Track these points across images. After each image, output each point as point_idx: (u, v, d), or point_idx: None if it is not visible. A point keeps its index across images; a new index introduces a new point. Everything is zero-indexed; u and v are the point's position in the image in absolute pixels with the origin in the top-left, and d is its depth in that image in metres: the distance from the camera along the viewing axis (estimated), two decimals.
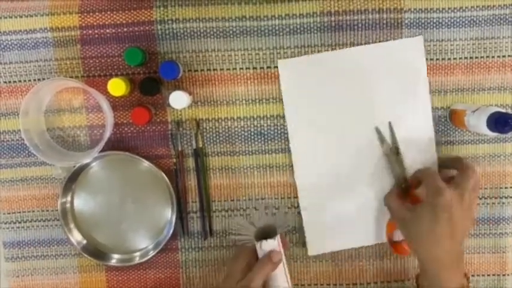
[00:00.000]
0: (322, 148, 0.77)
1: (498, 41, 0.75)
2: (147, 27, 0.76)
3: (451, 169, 0.74)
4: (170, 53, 0.76)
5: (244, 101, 0.77)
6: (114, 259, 0.80)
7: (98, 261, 0.79)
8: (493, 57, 0.76)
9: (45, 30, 0.76)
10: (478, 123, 0.67)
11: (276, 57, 0.76)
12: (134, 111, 0.74)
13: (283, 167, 0.78)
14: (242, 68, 0.76)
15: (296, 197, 0.78)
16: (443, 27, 0.75)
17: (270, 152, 0.78)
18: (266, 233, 0.67)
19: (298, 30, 0.75)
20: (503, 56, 0.75)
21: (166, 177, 0.77)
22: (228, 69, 0.76)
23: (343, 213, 0.77)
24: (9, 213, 0.80)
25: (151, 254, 0.78)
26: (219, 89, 0.77)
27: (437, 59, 0.76)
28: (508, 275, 0.79)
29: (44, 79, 0.77)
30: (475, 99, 0.76)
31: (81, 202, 0.79)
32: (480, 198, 0.78)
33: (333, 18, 0.75)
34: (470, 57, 0.76)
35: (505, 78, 0.76)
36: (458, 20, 0.75)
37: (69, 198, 0.79)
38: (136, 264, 0.80)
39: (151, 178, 0.78)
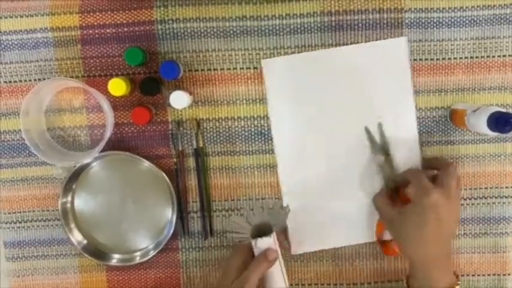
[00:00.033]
0: (308, 149, 0.76)
1: (499, 41, 0.75)
2: (147, 27, 0.76)
3: (433, 169, 0.74)
4: (170, 52, 0.76)
5: (244, 101, 0.77)
6: (115, 259, 0.80)
7: (98, 261, 0.79)
8: (493, 56, 0.76)
9: (46, 30, 0.76)
10: (478, 123, 0.67)
11: (276, 57, 0.76)
12: (135, 111, 0.74)
13: None
14: (242, 68, 0.76)
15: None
16: (444, 27, 0.75)
17: (270, 152, 0.78)
18: (262, 231, 0.67)
19: (299, 30, 0.75)
20: (504, 56, 0.75)
21: (166, 177, 0.77)
22: (229, 69, 0.76)
23: (332, 213, 0.77)
24: (9, 213, 0.80)
25: (152, 253, 0.78)
26: (220, 88, 0.77)
27: (437, 59, 0.76)
28: (508, 274, 0.79)
29: (44, 79, 0.77)
30: (475, 99, 0.76)
31: (82, 202, 0.80)
32: (481, 198, 0.78)
33: (333, 18, 0.75)
34: (471, 57, 0.76)
35: (506, 77, 0.76)
36: (458, 20, 0.75)
37: (69, 198, 0.79)
38: (136, 264, 0.80)
39: (152, 178, 0.78)
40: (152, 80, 0.75)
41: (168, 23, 0.75)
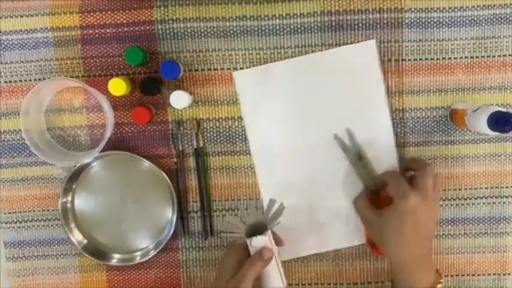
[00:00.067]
0: (284, 156, 0.76)
1: (499, 41, 0.75)
2: (147, 27, 0.76)
3: (411, 170, 0.74)
4: (171, 52, 0.76)
5: None
6: (115, 259, 0.80)
7: (98, 261, 0.80)
8: (493, 56, 0.76)
9: (46, 30, 0.76)
10: (478, 122, 0.67)
11: (276, 56, 0.76)
12: (135, 111, 0.74)
13: None
14: (243, 68, 0.76)
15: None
16: (444, 26, 0.75)
17: None
18: (257, 231, 0.67)
19: (299, 30, 0.75)
20: (504, 56, 0.75)
21: (167, 177, 0.77)
22: (229, 68, 0.76)
23: (313, 217, 0.77)
24: (10, 213, 0.80)
25: (152, 253, 0.78)
26: (220, 88, 0.77)
27: (437, 59, 0.76)
28: (508, 274, 0.79)
29: (44, 79, 0.77)
30: (475, 99, 0.76)
31: (82, 202, 0.80)
32: (481, 198, 0.78)
33: (333, 18, 0.75)
34: (471, 57, 0.76)
35: (506, 77, 0.76)
36: (458, 20, 0.75)
37: (69, 198, 0.79)
38: (137, 264, 0.80)
39: (152, 178, 0.78)
40: (152, 80, 0.75)
41: (168, 22, 0.75)
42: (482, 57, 0.76)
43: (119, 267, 0.81)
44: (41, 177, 0.79)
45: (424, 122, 0.77)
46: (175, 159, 0.78)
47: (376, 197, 0.75)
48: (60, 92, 0.78)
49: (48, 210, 0.80)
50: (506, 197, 0.78)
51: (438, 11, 0.74)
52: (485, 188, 0.78)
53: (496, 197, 0.78)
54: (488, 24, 0.75)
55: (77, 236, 0.79)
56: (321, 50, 0.75)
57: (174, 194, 0.77)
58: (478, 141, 0.77)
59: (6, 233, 0.81)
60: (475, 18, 0.74)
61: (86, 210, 0.80)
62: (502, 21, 0.74)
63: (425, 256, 0.71)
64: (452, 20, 0.75)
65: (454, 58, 0.76)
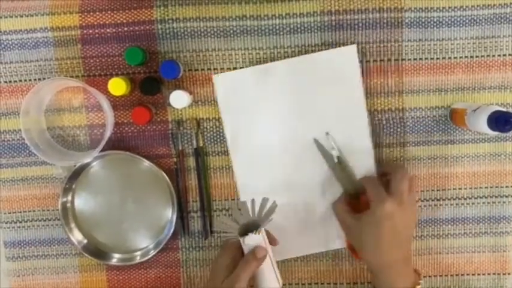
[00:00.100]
0: (265, 161, 0.76)
1: (498, 40, 0.75)
2: (147, 27, 0.76)
3: (387, 174, 0.74)
4: (170, 52, 0.76)
5: None
6: (115, 258, 0.80)
7: (98, 261, 0.80)
8: (493, 56, 0.76)
9: (46, 30, 0.76)
10: (478, 122, 0.67)
11: (276, 56, 0.76)
12: (135, 111, 0.74)
13: None
14: (242, 67, 0.76)
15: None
16: (444, 26, 0.75)
17: None
18: (251, 230, 0.66)
19: (299, 30, 0.75)
20: (504, 55, 0.75)
21: (166, 177, 0.77)
22: (229, 68, 0.76)
23: (293, 221, 0.77)
24: (9, 213, 0.80)
25: (152, 253, 0.78)
26: None
27: (437, 58, 0.76)
28: (508, 274, 0.79)
29: (44, 79, 0.77)
30: (475, 98, 0.76)
31: (82, 202, 0.80)
32: (481, 197, 0.78)
33: (333, 18, 0.75)
34: (471, 56, 0.76)
35: (506, 77, 0.76)
36: (458, 19, 0.75)
37: (69, 198, 0.79)
38: (137, 264, 0.80)
39: (152, 178, 0.78)
40: (152, 80, 0.75)
41: (168, 22, 0.75)
42: (482, 56, 0.76)
43: (118, 267, 0.81)
44: (41, 177, 0.79)
45: (424, 122, 0.77)
46: (175, 159, 0.78)
47: (356, 201, 0.74)
48: (60, 91, 0.78)
49: (48, 210, 0.80)
50: (506, 197, 0.78)
51: (438, 10, 0.74)
52: (485, 187, 0.78)
53: (496, 197, 0.78)
54: (488, 23, 0.75)
55: (76, 236, 0.79)
56: (321, 50, 0.75)
57: (174, 193, 0.77)
58: (477, 141, 0.77)
59: (6, 233, 0.81)
60: (475, 18, 0.74)
61: (85, 210, 0.80)
62: (502, 20, 0.74)
63: (404, 258, 0.70)
64: (452, 20, 0.75)
65: (454, 58, 0.76)
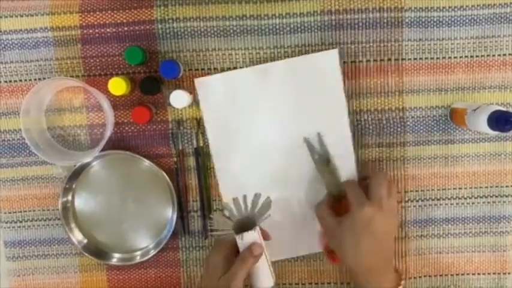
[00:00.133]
0: (249, 164, 0.76)
1: (499, 40, 0.75)
2: (147, 27, 0.76)
3: (368, 179, 0.73)
4: (171, 52, 0.76)
5: None
6: (115, 258, 0.80)
7: (98, 261, 0.80)
8: (493, 55, 0.76)
9: (46, 30, 0.76)
10: (478, 122, 0.67)
11: (276, 56, 0.76)
12: (135, 111, 0.74)
13: None
14: (242, 67, 0.76)
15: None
16: (444, 26, 0.75)
17: None
18: (245, 226, 0.66)
19: (299, 29, 0.75)
20: (504, 55, 0.75)
21: (167, 177, 0.77)
22: (229, 68, 0.76)
23: (276, 224, 0.75)
24: (10, 213, 0.80)
25: (152, 253, 0.78)
26: None
27: (437, 58, 0.76)
28: (508, 273, 0.80)
29: (44, 78, 0.77)
30: (475, 98, 0.76)
31: (82, 201, 0.80)
32: (481, 197, 0.78)
33: (333, 17, 0.75)
34: (471, 56, 0.76)
35: (506, 76, 0.76)
36: (458, 19, 0.75)
37: (69, 198, 0.79)
38: (137, 264, 0.80)
39: (152, 177, 0.78)
40: (152, 79, 0.75)
41: (168, 22, 0.75)
42: (482, 56, 0.76)
43: (119, 267, 0.81)
44: (41, 176, 0.79)
45: (424, 121, 0.77)
46: (175, 159, 0.78)
47: (339, 203, 0.74)
48: (60, 91, 0.78)
49: (48, 210, 0.80)
50: (506, 196, 0.78)
51: (438, 10, 0.74)
52: (485, 187, 0.78)
53: (496, 196, 0.78)
54: (488, 23, 0.75)
55: (77, 236, 0.79)
56: (321, 50, 0.75)
57: (174, 193, 0.77)
58: (478, 141, 0.77)
59: (6, 233, 0.81)
60: (475, 18, 0.74)
61: (86, 210, 0.80)
62: (502, 20, 0.74)
63: (385, 261, 0.70)
64: (452, 19, 0.75)
65: (454, 57, 0.76)
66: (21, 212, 0.80)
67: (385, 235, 0.69)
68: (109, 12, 0.76)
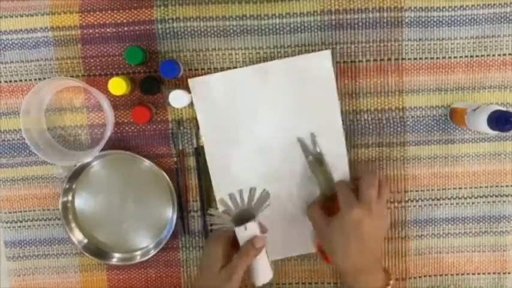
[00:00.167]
0: (242, 165, 0.76)
1: (498, 40, 0.75)
2: (147, 27, 0.76)
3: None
4: (171, 52, 0.76)
5: None
6: (115, 258, 0.80)
7: (99, 260, 0.80)
8: (493, 55, 0.76)
9: (46, 30, 0.76)
10: (478, 121, 0.67)
11: (276, 56, 0.76)
12: (135, 110, 0.74)
13: None
14: (242, 67, 0.76)
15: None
16: (444, 25, 0.75)
17: None
18: (243, 220, 0.66)
19: (299, 29, 0.75)
20: (504, 55, 0.75)
21: (167, 176, 0.77)
22: (229, 68, 0.76)
23: (271, 225, 0.74)
24: (10, 213, 0.80)
25: (152, 253, 0.78)
26: None
27: (437, 58, 0.76)
28: (508, 273, 0.80)
29: (44, 78, 0.77)
30: (475, 98, 0.76)
31: (82, 201, 0.80)
32: (481, 197, 0.78)
33: (333, 17, 0.75)
34: (471, 56, 0.76)
35: (506, 76, 0.76)
36: (458, 19, 0.75)
37: (70, 198, 0.79)
38: (137, 263, 0.80)
39: (152, 177, 0.78)
40: (152, 79, 0.75)
41: (168, 22, 0.75)
42: (482, 56, 0.76)
43: (119, 267, 0.81)
44: (41, 176, 0.79)
45: (424, 121, 0.77)
46: (175, 159, 0.78)
47: (331, 203, 0.74)
48: (60, 91, 0.78)
49: (48, 210, 0.80)
50: (506, 196, 0.78)
51: (438, 10, 0.74)
52: (485, 186, 0.78)
53: (495, 196, 0.78)
54: (488, 23, 0.75)
55: (77, 236, 0.79)
56: (321, 50, 0.75)
57: (174, 193, 0.77)
58: (477, 140, 0.77)
59: (6, 233, 0.81)
60: (475, 17, 0.74)
61: (86, 210, 0.80)
62: (502, 20, 0.74)
63: (374, 261, 0.70)
64: (452, 19, 0.75)
65: (454, 57, 0.76)
66: (21, 212, 0.80)
67: (373, 237, 0.69)
68: (109, 12, 0.76)
